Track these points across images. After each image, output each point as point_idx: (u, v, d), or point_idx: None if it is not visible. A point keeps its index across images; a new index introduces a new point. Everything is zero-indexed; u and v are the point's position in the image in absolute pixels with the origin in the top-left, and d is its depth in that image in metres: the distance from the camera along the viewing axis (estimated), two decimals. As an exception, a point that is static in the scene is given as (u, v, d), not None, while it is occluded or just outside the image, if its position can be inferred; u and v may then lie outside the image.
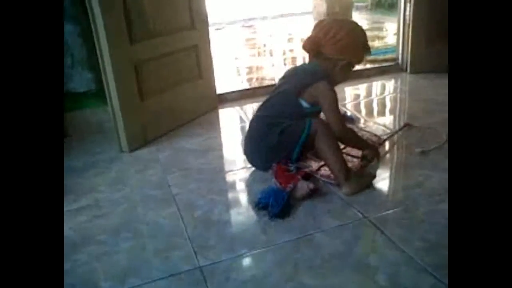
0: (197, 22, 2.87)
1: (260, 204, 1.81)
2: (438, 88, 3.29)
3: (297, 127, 1.97)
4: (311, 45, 2.06)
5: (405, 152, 2.41)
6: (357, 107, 3.13)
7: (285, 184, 1.87)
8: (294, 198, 1.85)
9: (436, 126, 2.58)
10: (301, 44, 2.15)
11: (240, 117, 3.02)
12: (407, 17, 3.63)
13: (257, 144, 2.07)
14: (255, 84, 3.81)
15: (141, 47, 2.47)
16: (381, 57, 4.07)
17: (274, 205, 1.76)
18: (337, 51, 2.02)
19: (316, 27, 2.09)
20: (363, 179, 1.99)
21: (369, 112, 3.04)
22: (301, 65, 2.40)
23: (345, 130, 2.05)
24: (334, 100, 2.02)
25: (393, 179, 2.12)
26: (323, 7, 6.93)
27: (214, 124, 2.93)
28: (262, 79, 3.94)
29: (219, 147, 2.57)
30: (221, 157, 2.44)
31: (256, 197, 1.86)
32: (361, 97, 3.35)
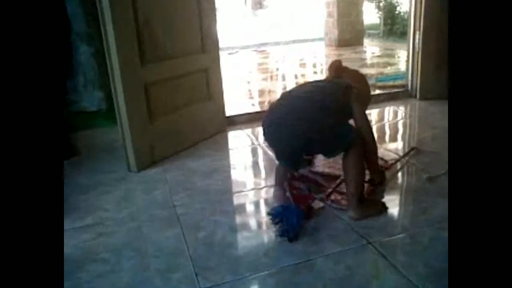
0: (208, 46, 2.93)
1: (276, 219, 1.77)
2: (445, 115, 3.28)
3: (343, 131, 1.88)
4: (335, 74, 2.17)
5: (412, 178, 2.40)
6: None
7: (300, 203, 1.89)
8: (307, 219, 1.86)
9: (444, 152, 2.57)
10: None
11: (248, 140, 3.04)
12: (416, 45, 3.66)
13: (300, 127, 1.85)
14: (265, 107, 3.83)
15: (152, 69, 2.53)
16: (391, 83, 4.09)
17: (290, 226, 1.74)
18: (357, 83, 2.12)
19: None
20: (373, 208, 1.98)
21: (378, 137, 3.03)
22: (321, 82, 2.29)
23: (373, 137, 2.09)
24: (366, 106, 2.14)
25: (398, 205, 2.11)
26: (335, 34, 7.01)
27: (222, 146, 2.95)
28: (266, 102, 3.97)
29: (226, 169, 2.58)
30: (227, 178, 2.45)
31: (271, 210, 1.82)
32: (371, 123, 3.35)
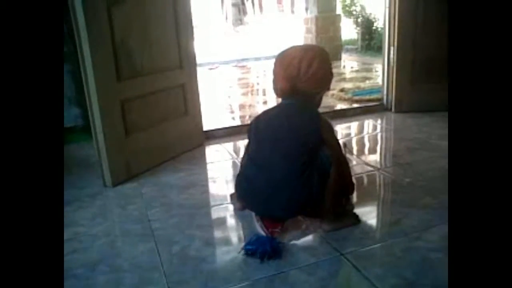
0: (185, 62, 2.95)
1: (249, 251, 1.75)
2: (420, 127, 3.36)
3: (323, 166, 1.87)
4: (289, 88, 1.93)
5: (386, 189, 2.44)
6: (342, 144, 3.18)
7: (271, 228, 1.88)
8: (282, 241, 1.83)
9: (417, 163, 2.63)
10: (273, 87, 2.07)
11: (226, 154, 3.05)
12: (391, 60, 3.74)
13: (289, 193, 1.86)
14: (243, 121, 3.85)
15: (128, 85, 2.53)
16: (367, 97, 4.16)
17: (263, 253, 1.72)
18: (315, 85, 1.95)
19: (281, 63, 1.97)
20: (346, 219, 2.00)
21: (355, 150, 3.08)
22: (285, 112, 2.01)
23: (345, 158, 2.09)
24: (333, 130, 2.08)
25: (372, 216, 2.14)
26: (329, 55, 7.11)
27: (199, 160, 2.96)
28: (251, 117, 3.98)
29: (202, 183, 2.58)
30: (203, 192, 2.45)
31: (244, 245, 1.78)
32: (347, 135, 3.41)
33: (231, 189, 2.45)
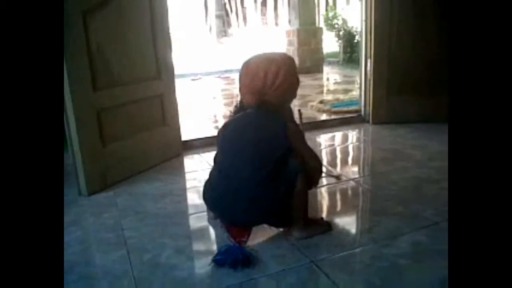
0: (163, 72, 2.97)
1: (219, 262, 1.76)
2: (395, 138, 3.42)
3: (290, 175, 1.87)
4: (255, 100, 1.92)
5: (358, 198, 2.47)
6: (320, 155, 3.22)
7: (238, 237, 1.89)
8: (252, 249, 1.85)
9: (391, 173, 2.68)
10: (238, 99, 2.07)
11: (204, 163, 3.06)
12: (368, 72, 3.82)
13: (249, 201, 1.87)
14: None
15: (105, 95, 2.54)
16: (345, 108, 4.22)
17: (235, 262, 1.73)
18: (282, 96, 1.93)
19: (246, 74, 1.95)
20: (317, 227, 2.02)
21: (332, 160, 3.13)
22: (251, 120, 1.99)
23: (320, 163, 2.05)
24: (303, 137, 2.01)
25: (344, 224, 2.17)
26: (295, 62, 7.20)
27: (176, 170, 2.96)
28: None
29: (178, 193, 2.59)
30: (178, 202, 2.46)
31: (214, 256, 1.79)
32: (325, 146, 3.45)
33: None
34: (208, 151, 3.30)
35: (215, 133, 3.74)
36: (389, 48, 3.70)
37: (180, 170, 2.99)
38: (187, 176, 2.91)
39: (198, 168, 2.97)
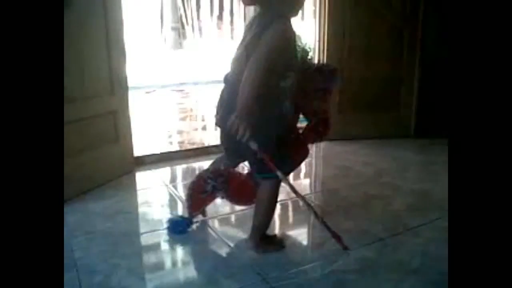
0: (116, 88, 2.92)
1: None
2: (348, 155, 3.54)
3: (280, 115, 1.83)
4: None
5: (310, 215, 2.53)
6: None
7: (195, 210, 2.14)
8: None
9: (342, 190, 2.77)
10: None
11: (157, 180, 3.04)
12: (320, 89, 3.93)
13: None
14: (177, 147, 3.84)
15: (55, 110, 2.48)
16: (298, 125, 4.30)
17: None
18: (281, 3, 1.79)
19: None
20: (271, 244, 2.07)
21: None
22: (256, 24, 1.82)
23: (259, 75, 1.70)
24: (281, 39, 1.75)
25: (295, 241, 2.22)
26: (250, 76, 7.28)
27: (128, 187, 2.92)
28: (184, 142, 3.99)
29: (129, 210, 2.55)
30: (130, 220, 2.43)
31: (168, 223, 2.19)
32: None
33: (160, 215, 2.45)
34: (162, 167, 3.29)
35: (168, 148, 3.76)
36: (342, 65, 3.83)
37: (132, 187, 2.95)
38: (140, 193, 2.87)
39: (150, 185, 2.94)
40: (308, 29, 4.44)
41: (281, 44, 1.74)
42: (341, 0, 3.70)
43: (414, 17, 3.80)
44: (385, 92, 3.88)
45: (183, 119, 5.18)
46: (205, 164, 3.39)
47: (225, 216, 2.44)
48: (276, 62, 1.72)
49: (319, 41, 3.90)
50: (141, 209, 2.61)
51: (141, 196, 2.80)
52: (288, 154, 1.97)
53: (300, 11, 1.89)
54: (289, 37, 1.77)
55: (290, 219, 2.51)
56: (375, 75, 3.83)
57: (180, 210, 2.54)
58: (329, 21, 3.76)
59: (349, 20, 3.74)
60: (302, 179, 3.21)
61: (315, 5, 3.96)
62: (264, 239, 2.04)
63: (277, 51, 1.72)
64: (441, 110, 3.88)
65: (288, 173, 2.07)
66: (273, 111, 1.82)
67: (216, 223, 2.37)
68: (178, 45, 14.59)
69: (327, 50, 3.82)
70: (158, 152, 3.50)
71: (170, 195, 2.81)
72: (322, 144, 3.92)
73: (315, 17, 3.97)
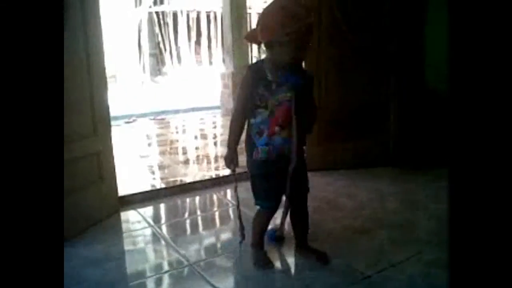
0: (100, 128, 2.93)
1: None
2: (327, 186, 3.59)
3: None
4: (250, 40, 2.22)
5: (294, 253, 2.57)
6: (253, 205, 3.29)
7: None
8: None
9: (323, 223, 2.81)
10: None
11: (143, 222, 3.03)
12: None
13: None
14: (160, 184, 3.82)
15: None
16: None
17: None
18: (261, 36, 2.00)
19: None
20: (258, 260, 2.32)
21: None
22: None
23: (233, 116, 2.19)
24: (241, 85, 2.17)
25: (281, 283, 2.25)
26: (230, 104, 7.35)
27: (115, 230, 2.90)
28: (167, 178, 3.97)
29: (118, 256, 2.53)
30: (120, 267, 2.41)
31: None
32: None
33: (147, 261, 2.45)
34: (146, 206, 3.28)
35: (152, 185, 3.74)
36: (319, 98, 3.91)
37: (118, 230, 2.93)
38: (126, 235, 2.85)
39: (136, 227, 2.93)
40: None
41: (242, 86, 2.15)
42: (316, 37, 3.81)
43: (390, 45, 3.94)
44: (363, 120, 3.99)
45: (164, 152, 5.18)
46: (190, 201, 3.41)
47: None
48: (241, 102, 2.13)
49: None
50: (129, 255, 2.58)
51: (128, 240, 2.78)
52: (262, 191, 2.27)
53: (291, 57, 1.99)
54: (246, 78, 2.10)
55: (274, 259, 2.52)
56: (349, 107, 3.93)
57: (165, 252, 2.54)
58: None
59: (324, 53, 3.84)
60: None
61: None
62: (257, 249, 2.37)
63: (239, 93, 2.18)
64: (421, 139, 4.01)
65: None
66: (249, 148, 2.19)
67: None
68: (157, 71, 14.65)
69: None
70: (142, 191, 3.50)
71: (155, 236, 2.80)
72: (304, 175, 3.98)
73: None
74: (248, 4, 12.14)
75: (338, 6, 3.82)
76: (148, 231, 2.87)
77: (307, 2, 2.06)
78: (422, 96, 4.01)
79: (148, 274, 2.26)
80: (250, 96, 2.06)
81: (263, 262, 2.30)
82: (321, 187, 3.59)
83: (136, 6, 14.18)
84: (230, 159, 2.19)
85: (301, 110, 2.06)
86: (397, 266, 2.30)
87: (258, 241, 2.36)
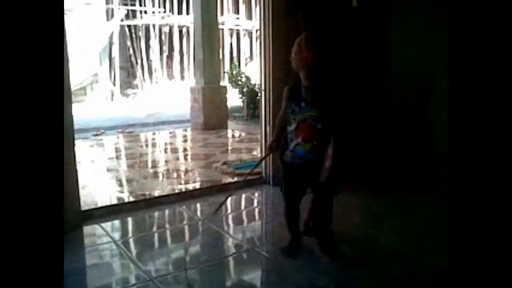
0: (64, 141, 2.89)
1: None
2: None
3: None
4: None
5: (257, 269, 2.57)
6: (220, 220, 3.31)
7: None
8: None
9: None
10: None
11: (106, 235, 2.98)
12: (268, 137, 4.05)
13: None
14: (130, 198, 3.72)
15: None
16: (247, 171, 4.38)
17: None
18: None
19: None
20: (284, 247, 2.64)
21: (234, 227, 3.23)
22: None
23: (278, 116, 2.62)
24: (283, 98, 2.53)
25: None
26: (200, 119, 7.36)
27: (76, 245, 2.84)
28: (136, 192, 3.91)
29: (79, 273, 2.48)
30: (79, 283, 2.37)
31: None
32: (229, 211, 3.55)
33: (111, 279, 2.41)
34: (110, 220, 3.23)
35: (120, 197, 3.69)
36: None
37: (80, 246, 2.87)
38: (88, 250, 2.80)
39: (99, 242, 2.88)
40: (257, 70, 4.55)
41: (283, 99, 2.53)
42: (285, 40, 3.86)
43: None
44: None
45: (132, 166, 5.12)
46: (157, 215, 3.39)
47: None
48: (282, 110, 2.55)
49: (265, 87, 4.05)
50: (90, 270, 2.54)
51: (89, 255, 2.73)
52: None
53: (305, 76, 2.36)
54: (284, 93, 2.51)
55: (237, 274, 2.52)
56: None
57: (126, 267, 2.51)
58: (273, 68, 3.93)
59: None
60: (251, 228, 3.26)
61: (259, 47, 4.13)
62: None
63: (282, 103, 2.54)
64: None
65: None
66: (283, 148, 2.57)
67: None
68: (128, 85, 14.52)
69: (273, 98, 3.96)
70: (106, 205, 3.45)
71: (118, 251, 2.76)
72: (271, 190, 4.01)
73: (260, 58, 4.13)
74: (220, 20, 12.28)
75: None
76: (111, 246, 2.83)
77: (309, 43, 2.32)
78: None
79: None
80: (286, 108, 2.48)
81: (285, 250, 2.60)
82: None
83: (108, 19, 14.08)
84: (269, 145, 2.69)
85: (334, 135, 2.39)
86: (358, 281, 2.34)
87: (288, 230, 2.68)
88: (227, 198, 2.96)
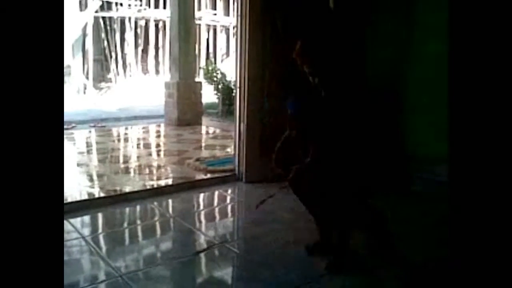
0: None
1: None
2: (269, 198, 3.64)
3: None
4: None
5: (227, 265, 2.59)
6: (191, 216, 3.31)
7: None
8: None
9: (263, 237, 2.85)
10: None
11: (74, 231, 2.94)
12: (242, 135, 4.06)
13: None
14: (100, 193, 3.69)
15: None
16: (220, 168, 4.39)
17: None
18: None
19: None
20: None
21: (206, 223, 3.23)
22: None
23: None
24: None
25: None
26: (175, 114, 7.31)
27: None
28: (107, 188, 3.86)
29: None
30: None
31: None
32: (201, 207, 3.55)
33: (79, 276, 2.38)
34: (81, 216, 3.19)
35: (90, 193, 3.63)
36: (262, 116, 3.99)
37: (47, 240, 2.83)
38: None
39: (67, 237, 2.83)
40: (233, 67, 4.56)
41: None
42: (261, 36, 3.89)
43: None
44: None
45: (103, 160, 5.05)
46: (128, 210, 3.36)
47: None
48: None
49: (240, 83, 4.06)
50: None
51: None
52: None
53: None
54: None
55: (208, 270, 2.53)
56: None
57: (95, 264, 2.49)
58: (249, 65, 3.94)
59: (269, 67, 3.93)
60: (222, 224, 3.27)
61: (235, 43, 4.13)
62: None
63: None
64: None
65: None
66: None
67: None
68: (101, 78, 14.27)
69: (248, 95, 3.98)
70: (75, 200, 3.40)
71: (86, 247, 2.73)
72: (244, 187, 4.03)
73: (235, 54, 4.12)
74: (197, 15, 12.19)
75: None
76: (80, 242, 2.79)
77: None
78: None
79: (75, 287, 2.20)
80: None
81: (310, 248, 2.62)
82: (261, 198, 3.63)
83: (81, 9, 13.78)
84: None
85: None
86: (327, 277, 2.37)
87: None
88: (270, 197, 2.93)
